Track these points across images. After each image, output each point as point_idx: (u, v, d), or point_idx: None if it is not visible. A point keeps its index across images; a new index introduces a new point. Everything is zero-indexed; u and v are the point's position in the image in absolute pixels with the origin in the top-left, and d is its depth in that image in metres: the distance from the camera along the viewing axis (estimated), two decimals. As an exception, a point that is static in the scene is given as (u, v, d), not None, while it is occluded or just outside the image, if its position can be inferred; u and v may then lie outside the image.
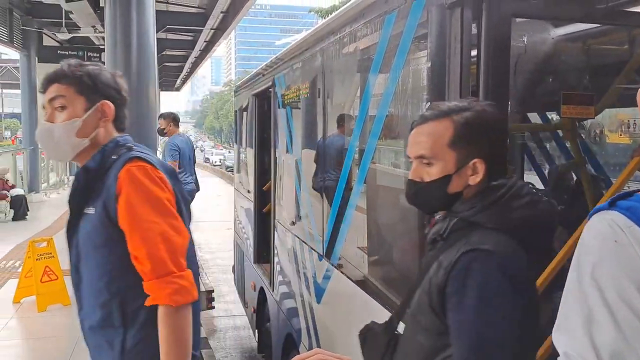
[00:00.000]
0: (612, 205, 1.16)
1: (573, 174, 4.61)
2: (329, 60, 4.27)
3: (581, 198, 4.02)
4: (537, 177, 5.40)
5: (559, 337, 1.17)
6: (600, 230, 1.15)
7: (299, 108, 5.20)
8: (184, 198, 2.39)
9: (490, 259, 1.65)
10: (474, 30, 2.35)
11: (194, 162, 8.65)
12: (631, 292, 1.07)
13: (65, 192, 20.16)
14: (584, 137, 4.55)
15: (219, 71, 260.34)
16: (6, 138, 56.99)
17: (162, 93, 46.76)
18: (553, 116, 4.90)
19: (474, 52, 2.36)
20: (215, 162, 55.90)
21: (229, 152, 55.76)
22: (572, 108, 2.94)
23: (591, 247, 1.15)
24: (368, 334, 2.11)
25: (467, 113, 1.78)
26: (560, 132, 4.53)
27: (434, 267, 1.76)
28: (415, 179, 1.83)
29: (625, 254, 1.09)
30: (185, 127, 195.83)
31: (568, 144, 4.31)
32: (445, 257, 1.73)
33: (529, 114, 5.11)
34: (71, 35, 16.07)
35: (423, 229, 2.83)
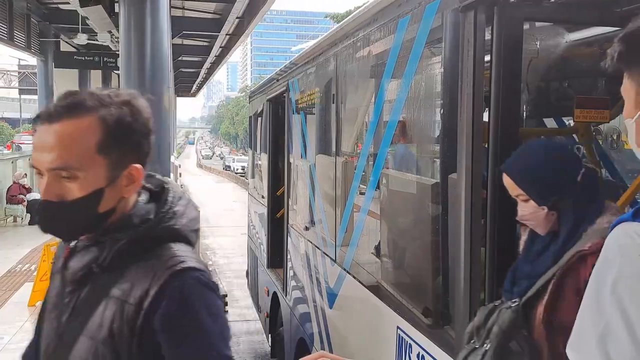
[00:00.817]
0: (635, 216, 1.10)
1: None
2: (342, 65, 4.27)
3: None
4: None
5: (572, 354, 1.12)
6: (623, 243, 1.09)
7: (313, 113, 5.20)
8: None
9: (199, 277, 1.43)
10: (488, 36, 2.34)
11: None
12: None
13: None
14: (601, 142, 4.50)
15: (235, 77, 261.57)
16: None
17: (178, 98, 47.06)
18: (571, 122, 4.86)
19: (487, 58, 2.35)
20: (237, 169, 50.71)
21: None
22: (586, 112, 2.90)
23: (613, 260, 1.09)
24: None
25: (119, 109, 1.42)
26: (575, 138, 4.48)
27: (107, 305, 1.42)
28: (50, 199, 1.39)
29: None
30: (202, 133, 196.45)
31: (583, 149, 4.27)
32: (123, 289, 1.41)
33: (546, 120, 5.07)
34: (88, 41, 16.23)
35: (437, 234, 2.82)
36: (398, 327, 3.05)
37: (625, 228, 1.10)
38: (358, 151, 4.26)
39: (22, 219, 14.63)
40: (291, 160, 6.12)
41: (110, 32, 14.03)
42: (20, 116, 51.87)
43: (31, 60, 26.62)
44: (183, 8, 16.47)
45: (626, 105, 1.15)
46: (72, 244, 1.53)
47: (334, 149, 4.49)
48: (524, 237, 2.24)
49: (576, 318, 1.13)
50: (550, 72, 3.46)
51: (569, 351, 1.13)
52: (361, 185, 3.98)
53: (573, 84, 3.79)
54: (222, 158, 77.79)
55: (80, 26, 15.19)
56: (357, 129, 4.39)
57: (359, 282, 3.80)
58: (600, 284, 1.09)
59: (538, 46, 3.04)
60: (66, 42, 19.09)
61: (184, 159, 76.23)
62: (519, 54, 2.32)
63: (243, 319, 10.20)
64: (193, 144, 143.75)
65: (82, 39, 15.76)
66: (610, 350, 1.03)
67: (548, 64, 3.24)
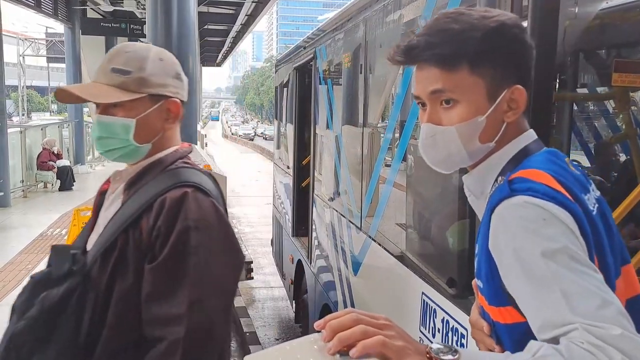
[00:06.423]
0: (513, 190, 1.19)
1: (622, 153, 4.46)
2: (371, 31, 4.19)
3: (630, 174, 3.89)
4: (584, 156, 5.24)
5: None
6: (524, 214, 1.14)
7: (340, 83, 5.14)
8: None
9: None
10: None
11: None
12: None
13: (110, 165, 20.48)
14: (634, 111, 4.39)
15: (260, 47, 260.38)
16: (53, 112, 58.14)
17: (204, 68, 47.05)
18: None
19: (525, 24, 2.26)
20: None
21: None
22: (624, 76, 2.80)
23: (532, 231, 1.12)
24: None
25: None
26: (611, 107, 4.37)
27: None
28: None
29: None
30: (226, 104, 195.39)
31: (619, 118, 4.16)
32: None
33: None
34: (114, 7, 16.23)
35: (460, 202, 2.77)
36: (423, 293, 3.03)
37: (517, 201, 1.14)
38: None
39: (52, 185, 14.84)
40: (317, 130, 6.08)
41: (136, -2, 13.99)
42: (49, 84, 52.26)
43: (58, 28, 26.69)
44: (209, -25, 16.37)
45: None
46: None
47: (361, 119, 4.44)
48: None
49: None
50: (588, 37, 3.35)
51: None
52: (387, 158, 3.93)
53: (612, 51, 3.68)
54: (265, 138, 57.38)
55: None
56: (385, 98, 4.33)
57: (385, 249, 3.78)
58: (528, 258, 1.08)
59: (577, 11, 2.93)
60: (93, 9, 19.10)
61: (209, 129, 76.41)
62: (555, 15, 2.22)
63: (267, 286, 10.31)
64: (217, 119, 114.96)
65: (108, 6, 15.76)
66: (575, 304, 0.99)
67: (586, 28, 3.13)
